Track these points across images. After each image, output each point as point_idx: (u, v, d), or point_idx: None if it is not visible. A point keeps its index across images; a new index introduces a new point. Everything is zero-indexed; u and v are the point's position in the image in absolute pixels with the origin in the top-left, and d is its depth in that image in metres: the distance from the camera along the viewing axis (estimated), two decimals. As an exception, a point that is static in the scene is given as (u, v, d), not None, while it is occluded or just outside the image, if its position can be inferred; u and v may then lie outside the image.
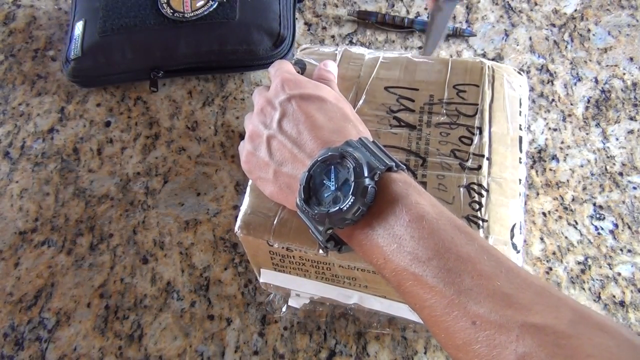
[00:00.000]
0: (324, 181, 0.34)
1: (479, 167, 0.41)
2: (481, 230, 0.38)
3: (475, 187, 0.40)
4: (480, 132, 0.42)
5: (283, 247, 0.40)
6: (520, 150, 0.42)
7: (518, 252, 0.39)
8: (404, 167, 0.35)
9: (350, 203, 0.32)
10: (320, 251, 0.39)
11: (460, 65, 0.46)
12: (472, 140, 0.42)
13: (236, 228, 0.40)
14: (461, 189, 0.40)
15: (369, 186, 0.32)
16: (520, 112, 0.44)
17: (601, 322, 0.27)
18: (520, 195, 0.41)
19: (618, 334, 0.27)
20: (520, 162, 0.42)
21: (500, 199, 0.40)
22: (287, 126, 0.39)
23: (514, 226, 0.39)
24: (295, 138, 0.38)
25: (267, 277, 0.45)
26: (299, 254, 0.40)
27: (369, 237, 0.33)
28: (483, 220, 0.39)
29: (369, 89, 0.46)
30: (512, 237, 0.39)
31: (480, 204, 0.39)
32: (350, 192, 0.32)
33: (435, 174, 0.41)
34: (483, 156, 0.41)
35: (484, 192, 0.40)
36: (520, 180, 0.41)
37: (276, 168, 0.38)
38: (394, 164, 0.34)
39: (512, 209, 0.40)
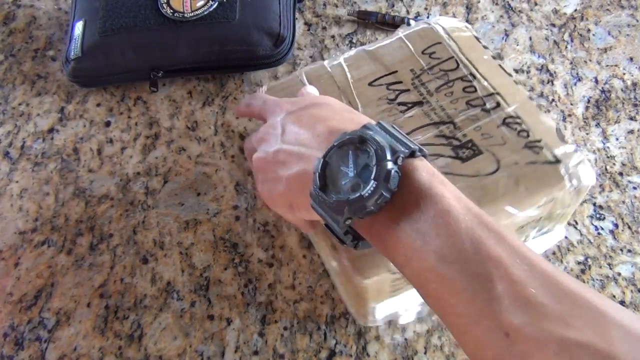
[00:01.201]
0: (341, 167, 0.31)
1: (498, 104, 0.44)
2: (547, 152, 0.41)
3: (510, 119, 0.43)
4: (474, 76, 0.45)
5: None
6: (503, 69, 0.46)
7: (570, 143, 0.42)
8: (426, 153, 0.32)
9: (372, 189, 0.29)
10: None
11: (414, 35, 0.49)
12: (474, 87, 0.45)
13: (359, 279, 0.38)
14: (502, 128, 0.42)
15: (392, 170, 0.29)
16: (479, 42, 0.48)
17: None
18: (533, 99, 0.45)
19: None
20: (511, 75, 0.46)
21: (532, 116, 0.43)
22: (289, 136, 0.37)
23: (557, 129, 0.42)
24: (300, 139, 0.36)
25: (382, 311, 0.44)
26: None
27: (391, 231, 0.30)
28: (537, 142, 0.42)
29: (357, 92, 0.46)
30: (561, 138, 0.42)
31: (525, 130, 0.42)
32: (372, 177, 0.30)
33: (472, 128, 0.43)
34: (492, 94, 0.44)
35: (519, 120, 0.43)
36: (527, 90, 0.46)
37: (287, 175, 0.36)
38: (417, 147, 0.31)
39: (543, 117, 0.43)
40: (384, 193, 0.30)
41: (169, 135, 0.58)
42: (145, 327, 0.49)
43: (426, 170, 0.31)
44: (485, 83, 0.45)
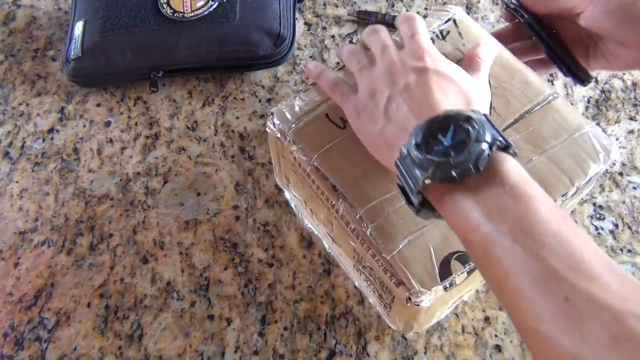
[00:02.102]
0: (439, 136, 0.33)
1: None
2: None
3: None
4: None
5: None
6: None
7: None
8: (517, 153, 0.34)
9: (462, 159, 0.31)
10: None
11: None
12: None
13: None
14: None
15: (485, 151, 0.31)
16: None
17: None
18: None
19: None
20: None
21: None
22: (411, 93, 0.37)
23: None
24: (415, 104, 0.37)
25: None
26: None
27: (467, 200, 0.31)
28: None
29: None
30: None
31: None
32: (466, 150, 0.31)
33: None
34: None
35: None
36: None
37: (385, 124, 0.37)
38: (512, 145, 0.33)
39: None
40: (471, 167, 0.31)
41: (169, 135, 0.58)
42: (145, 327, 0.49)
43: (515, 166, 0.32)
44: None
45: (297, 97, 0.44)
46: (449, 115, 0.33)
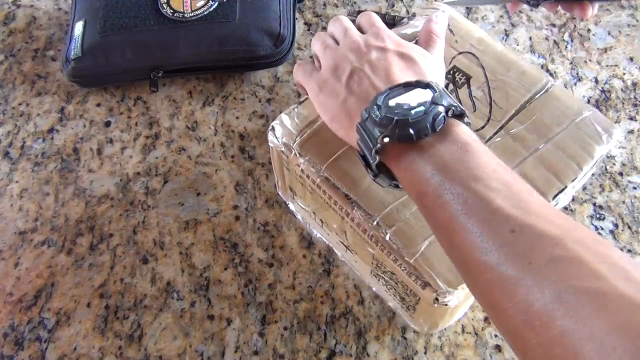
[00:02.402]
0: (400, 98, 0.34)
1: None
2: None
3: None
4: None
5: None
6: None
7: None
8: (470, 123, 0.36)
9: (419, 118, 0.33)
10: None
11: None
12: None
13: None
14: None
15: (442, 114, 0.33)
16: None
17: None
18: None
19: None
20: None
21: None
22: (373, 68, 0.39)
23: None
24: (376, 78, 0.38)
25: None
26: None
27: (422, 156, 0.33)
28: None
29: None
30: None
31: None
32: (423, 112, 0.33)
33: None
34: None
35: None
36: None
37: (346, 96, 0.38)
38: (466, 114, 0.35)
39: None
40: (428, 126, 0.33)
41: (169, 135, 0.58)
42: (145, 327, 0.49)
43: (467, 131, 0.34)
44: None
45: (297, 107, 0.44)
46: (410, 82, 0.35)
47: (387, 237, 0.38)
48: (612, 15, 0.64)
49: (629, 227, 0.52)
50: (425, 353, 0.47)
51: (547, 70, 0.60)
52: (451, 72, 0.45)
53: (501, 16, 0.65)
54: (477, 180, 0.31)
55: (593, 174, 0.54)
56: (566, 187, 0.40)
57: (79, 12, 0.62)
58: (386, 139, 0.33)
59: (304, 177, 0.43)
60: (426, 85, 0.35)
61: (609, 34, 0.63)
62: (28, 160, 0.58)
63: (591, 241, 0.28)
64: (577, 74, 0.60)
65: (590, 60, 0.61)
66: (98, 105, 0.61)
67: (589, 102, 0.58)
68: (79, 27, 0.60)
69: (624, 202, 0.53)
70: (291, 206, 0.52)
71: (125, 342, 0.48)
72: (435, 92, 0.34)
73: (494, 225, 0.29)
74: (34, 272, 0.52)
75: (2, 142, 0.59)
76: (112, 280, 0.51)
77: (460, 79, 0.45)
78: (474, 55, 0.46)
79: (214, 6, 0.59)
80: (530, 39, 0.63)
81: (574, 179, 0.40)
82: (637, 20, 0.64)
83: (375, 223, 0.39)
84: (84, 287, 0.51)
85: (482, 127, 0.43)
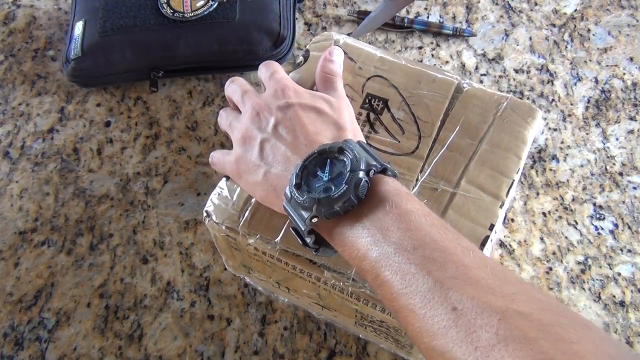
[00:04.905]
0: (318, 172, 0.34)
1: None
2: None
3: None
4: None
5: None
6: None
7: None
8: (396, 173, 0.35)
9: (341, 192, 0.32)
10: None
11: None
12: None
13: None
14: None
15: (363, 179, 0.32)
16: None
17: (585, 320, 0.27)
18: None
19: (600, 331, 0.27)
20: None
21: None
22: (282, 131, 0.38)
23: None
24: (290, 142, 0.37)
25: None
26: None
27: (354, 230, 0.32)
28: None
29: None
30: None
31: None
32: (344, 182, 0.32)
33: None
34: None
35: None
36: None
37: (267, 170, 0.38)
38: (389, 166, 0.34)
39: None
40: (352, 197, 0.32)
41: (169, 135, 0.58)
42: (145, 327, 0.49)
43: (394, 186, 0.33)
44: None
45: (226, 182, 0.42)
46: (324, 149, 0.34)
47: (368, 291, 0.37)
48: (612, 15, 0.64)
49: (629, 227, 0.52)
50: (425, 353, 0.47)
51: (547, 71, 0.61)
52: (367, 100, 0.44)
53: (501, 16, 0.65)
54: (411, 252, 0.30)
55: (593, 174, 0.54)
56: (514, 180, 0.40)
57: (79, 12, 0.62)
58: (314, 219, 0.33)
59: (259, 254, 0.41)
60: (340, 151, 0.34)
61: (609, 34, 0.63)
62: (28, 160, 0.58)
63: (535, 310, 0.27)
64: (577, 74, 0.60)
65: (590, 60, 0.61)
66: (98, 105, 0.61)
67: (589, 102, 0.59)
68: (79, 27, 0.60)
69: (624, 202, 0.53)
70: (248, 280, 0.49)
71: (125, 342, 0.48)
72: (350, 155, 0.33)
73: (435, 304, 0.28)
74: (34, 272, 0.52)
75: (2, 142, 0.59)
76: (112, 280, 0.51)
77: (377, 104, 0.44)
78: (381, 77, 0.45)
79: (214, 6, 0.59)
80: (530, 39, 0.63)
81: (518, 170, 0.40)
82: (637, 20, 0.64)
83: (351, 280, 0.37)
84: (84, 287, 0.51)
85: (417, 148, 0.42)
